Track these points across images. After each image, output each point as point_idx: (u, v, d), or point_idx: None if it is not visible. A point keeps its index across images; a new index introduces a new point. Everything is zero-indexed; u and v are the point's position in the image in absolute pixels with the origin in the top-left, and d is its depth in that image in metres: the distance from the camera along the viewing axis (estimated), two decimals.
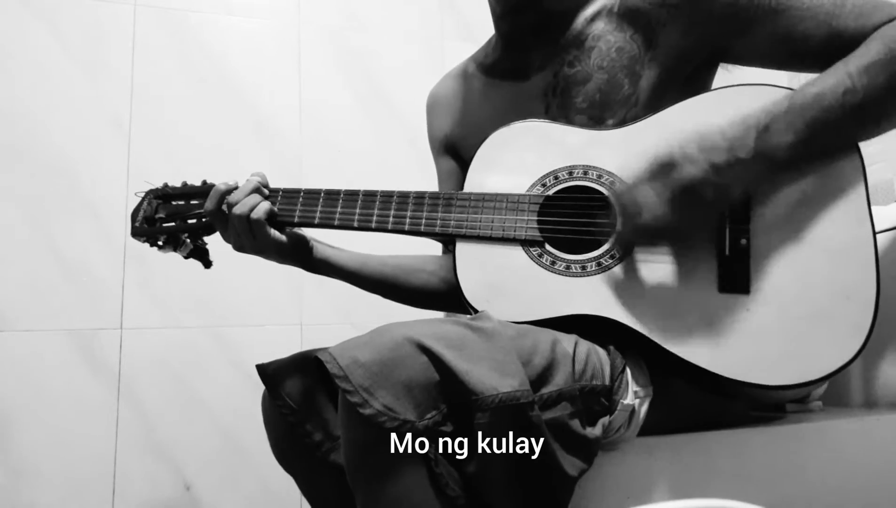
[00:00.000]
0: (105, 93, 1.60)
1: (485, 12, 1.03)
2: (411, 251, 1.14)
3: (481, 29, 1.11)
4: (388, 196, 0.92)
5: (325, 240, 1.06)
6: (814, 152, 0.77)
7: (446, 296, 1.09)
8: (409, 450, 0.66)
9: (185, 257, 1.04)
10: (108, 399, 1.50)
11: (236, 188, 0.96)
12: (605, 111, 0.90)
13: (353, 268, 1.06)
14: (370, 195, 0.93)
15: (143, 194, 1.05)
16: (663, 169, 0.75)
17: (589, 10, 0.95)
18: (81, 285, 1.52)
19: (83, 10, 1.62)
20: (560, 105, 0.94)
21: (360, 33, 1.82)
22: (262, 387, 0.98)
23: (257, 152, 1.69)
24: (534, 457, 0.69)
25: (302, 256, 1.02)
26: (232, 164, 1.65)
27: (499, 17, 1.02)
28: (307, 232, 1.03)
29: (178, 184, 1.04)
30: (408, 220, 0.91)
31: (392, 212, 0.92)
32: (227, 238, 0.99)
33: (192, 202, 1.02)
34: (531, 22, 0.98)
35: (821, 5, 0.82)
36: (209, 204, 0.96)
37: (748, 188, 0.77)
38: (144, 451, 1.51)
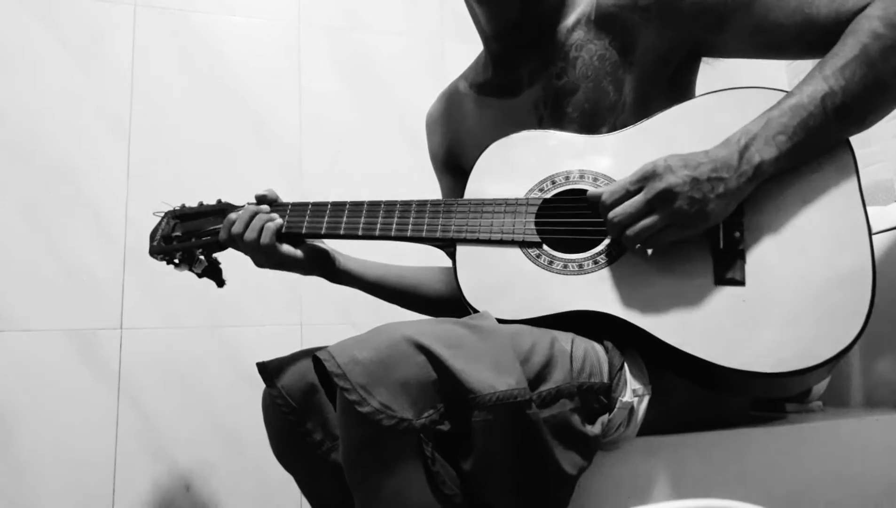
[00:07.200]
0: (105, 93, 1.60)
1: None
2: (421, 260, 1.15)
3: None
4: (391, 205, 0.95)
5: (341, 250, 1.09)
6: (802, 158, 0.78)
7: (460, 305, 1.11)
8: (407, 448, 0.66)
9: (200, 276, 1.07)
10: (108, 399, 1.50)
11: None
12: (595, 119, 0.91)
13: (373, 279, 1.10)
14: (374, 205, 0.96)
15: (161, 214, 1.08)
16: (645, 177, 0.76)
17: (569, 21, 0.95)
18: (81, 285, 1.52)
19: (83, 10, 1.62)
20: (551, 117, 0.95)
21: (361, 33, 1.82)
22: (263, 387, 0.98)
23: (257, 152, 1.69)
24: (531, 455, 0.69)
25: (325, 268, 1.06)
26: (232, 163, 1.65)
27: (490, 39, 1.02)
28: (328, 244, 1.06)
29: (194, 204, 1.07)
30: (410, 227, 0.93)
31: (395, 220, 0.94)
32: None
33: (208, 220, 1.05)
34: (523, 40, 0.98)
35: None
36: (223, 234, 0.99)
37: (730, 204, 0.77)
38: (144, 451, 1.51)
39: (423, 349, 0.66)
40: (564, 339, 0.77)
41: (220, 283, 1.07)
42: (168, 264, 1.05)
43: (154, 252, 1.05)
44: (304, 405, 0.94)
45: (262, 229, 0.96)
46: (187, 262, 1.05)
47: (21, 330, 1.48)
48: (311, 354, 0.94)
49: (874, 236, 0.76)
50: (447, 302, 1.11)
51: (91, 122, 1.58)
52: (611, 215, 0.77)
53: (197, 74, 1.68)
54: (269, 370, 0.96)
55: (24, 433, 1.44)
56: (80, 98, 1.58)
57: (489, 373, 0.67)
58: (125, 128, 1.60)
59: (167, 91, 1.65)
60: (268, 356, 1.00)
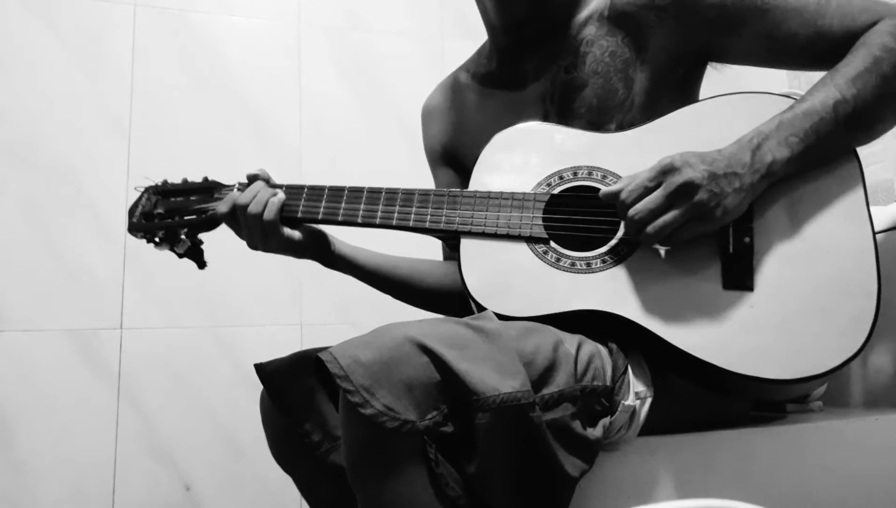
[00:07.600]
0: (105, 93, 1.60)
1: None
2: (417, 250, 1.14)
3: (481, 27, 1.10)
4: (392, 193, 0.92)
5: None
6: (811, 162, 0.79)
7: (456, 300, 1.10)
8: (410, 450, 0.66)
9: (181, 256, 1.02)
10: (108, 399, 1.50)
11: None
12: (602, 116, 0.91)
13: (369, 267, 1.07)
14: (374, 192, 0.93)
15: (141, 190, 1.03)
16: (664, 171, 0.76)
17: (581, 16, 0.95)
18: (81, 285, 1.52)
19: (83, 10, 1.61)
20: (558, 112, 0.95)
21: (361, 33, 1.82)
22: (262, 387, 0.97)
23: (257, 152, 1.69)
24: (534, 458, 0.69)
25: (320, 252, 1.03)
26: (232, 163, 1.65)
27: (499, 31, 1.01)
28: (325, 227, 1.03)
29: (177, 181, 1.04)
30: (412, 216, 0.91)
31: (397, 208, 0.92)
32: (241, 236, 0.98)
33: (192, 198, 1.01)
34: (532, 34, 0.98)
35: (806, 4, 0.84)
36: (223, 207, 0.95)
37: (745, 199, 0.77)
38: (144, 451, 1.51)
39: (426, 349, 0.66)
40: (570, 341, 0.77)
41: (202, 265, 1.03)
42: (148, 242, 1.01)
43: (134, 229, 1.00)
44: (302, 406, 0.93)
45: (266, 203, 0.93)
46: (169, 241, 1.00)
47: (21, 330, 1.47)
48: (310, 355, 0.94)
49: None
50: (442, 295, 1.10)
51: (91, 122, 1.58)
52: (631, 212, 0.77)
53: (197, 74, 1.68)
54: (267, 372, 0.95)
55: (24, 433, 1.44)
56: (80, 98, 1.58)
57: (493, 375, 0.67)
58: (125, 128, 1.60)
59: (167, 91, 1.65)
60: (268, 356, 1.00)
